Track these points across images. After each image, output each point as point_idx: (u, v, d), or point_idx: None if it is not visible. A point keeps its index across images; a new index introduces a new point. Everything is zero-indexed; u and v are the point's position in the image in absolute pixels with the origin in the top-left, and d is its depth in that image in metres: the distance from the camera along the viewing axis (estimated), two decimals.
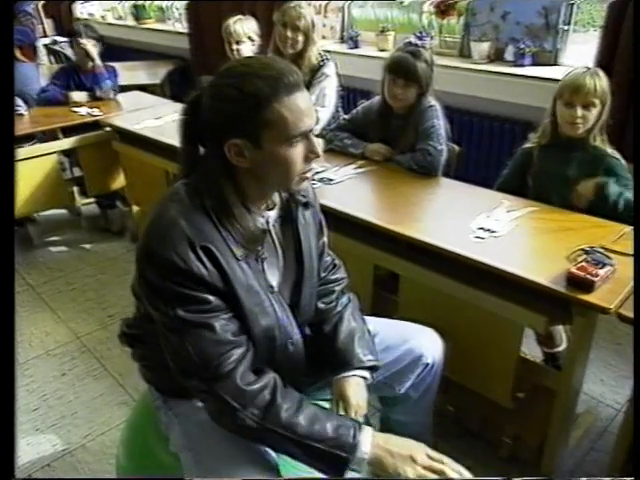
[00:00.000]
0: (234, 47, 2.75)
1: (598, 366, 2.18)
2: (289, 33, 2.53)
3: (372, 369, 1.32)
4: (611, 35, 2.37)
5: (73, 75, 3.26)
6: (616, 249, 1.57)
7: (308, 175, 1.15)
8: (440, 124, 2.12)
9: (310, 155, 1.12)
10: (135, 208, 3.22)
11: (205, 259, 1.07)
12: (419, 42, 2.12)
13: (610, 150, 1.88)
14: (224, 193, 1.11)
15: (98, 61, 3.18)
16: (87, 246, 3.28)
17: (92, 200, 3.40)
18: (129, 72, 4.16)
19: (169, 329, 1.11)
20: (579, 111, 1.79)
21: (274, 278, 1.22)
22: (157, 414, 1.35)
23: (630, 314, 1.36)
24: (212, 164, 1.14)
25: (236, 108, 1.06)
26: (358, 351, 1.32)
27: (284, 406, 1.09)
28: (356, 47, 3.39)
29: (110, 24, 5.01)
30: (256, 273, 1.15)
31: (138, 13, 4.73)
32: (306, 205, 1.29)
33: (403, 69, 2.07)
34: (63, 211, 3.52)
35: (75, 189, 3.25)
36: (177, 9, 4.54)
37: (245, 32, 2.74)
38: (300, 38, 2.55)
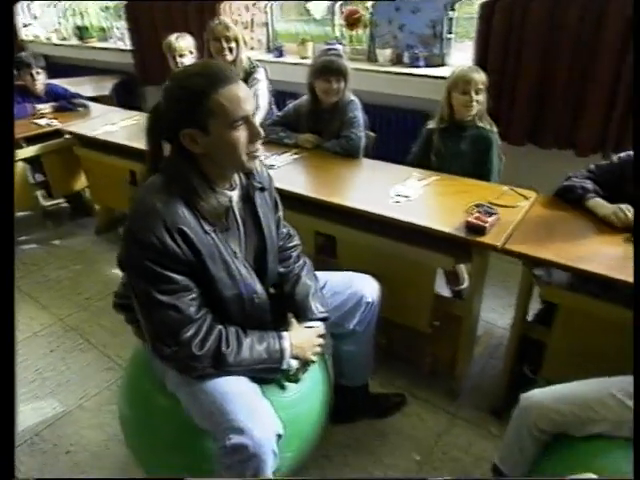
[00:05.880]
0: (178, 60, 2.73)
1: (491, 299, 2.31)
2: (224, 44, 2.55)
3: (324, 319, 1.40)
4: (482, 43, 2.52)
5: (24, 96, 3.11)
6: (499, 203, 1.73)
7: (256, 154, 1.19)
8: (359, 115, 2.20)
9: (253, 137, 1.15)
10: (97, 206, 3.15)
11: (179, 240, 1.12)
12: (335, 47, 2.20)
13: (492, 128, 2.04)
14: (189, 178, 1.16)
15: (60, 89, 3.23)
16: (56, 242, 3.16)
17: (55, 202, 3.25)
18: (77, 86, 3.95)
19: (142, 304, 1.16)
20: (474, 96, 1.95)
21: (237, 246, 1.26)
22: (152, 364, 1.36)
23: (512, 248, 1.52)
24: (176, 156, 1.18)
25: (183, 103, 1.10)
26: (311, 305, 1.39)
27: (228, 351, 1.18)
28: (281, 56, 3.42)
29: (55, 44, 4.74)
30: (222, 242, 1.20)
31: (81, 33, 4.52)
32: (262, 189, 1.34)
33: (335, 68, 2.11)
34: (26, 213, 3.31)
35: (39, 193, 3.11)
36: (118, 29, 4.39)
37: (186, 46, 2.74)
38: (233, 45, 2.56)
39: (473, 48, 2.61)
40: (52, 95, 3.17)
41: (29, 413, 1.89)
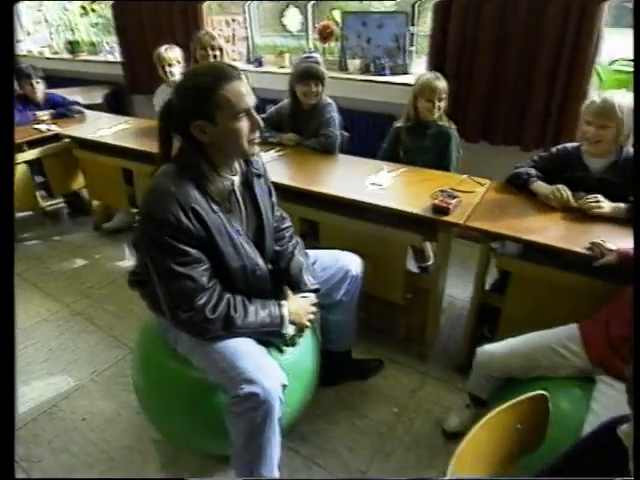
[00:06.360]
0: (167, 69, 2.76)
1: (454, 277, 2.36)
2: (209, 52, 2.60)
3: (315, 291, 1.47)
4: (437, 47, 2.63)
5: (25, 104, 3.08)
6: (460, 189, 1.84)
7: (256, 140, 1.25)
8: (336, 116, 2.27)
9: (253, 126, 1.21)
10: (95, 203, 3.14)
11: (192, 216, 1.17)
12: (313, 54, 2.27)
13: (450, 126, 2.15)
14: (199, 164, 1.22)
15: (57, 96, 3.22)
16: (56, 238, 3.13)
17: (55, 201, 3.24)
18: (68, 96, 3.94)
19: (161, 275, 1.21)
20: (437, 103, 2.06)
21: (239, 225, 1.32)
22: (165, 335, 1.41)
23: (472, 224, 1.63)
24: (187, 146, 1.23)
25: (193, 99, 1.16)
26: (304, 279, 1.46)
27: (237, 315, 1.25)
28: (260, 66, 3.46)
29: (48, 58, 4.65)
30: (227, 221, 1.26)
31: (72, 47, 4.46)
32: (259, 176, 1.41)
33: (314, 73, 2.17)
34: (27, 213, 3.27)
35: (38, 193, 3.07)
36: (107, 43, 4.35)
37: (175, 57, 2.76)
38: (217, 53, 2.61)
39: (427, 54, 2.70)
40: (51, 103, 3.15)
41: (45, 388, 1.90)
